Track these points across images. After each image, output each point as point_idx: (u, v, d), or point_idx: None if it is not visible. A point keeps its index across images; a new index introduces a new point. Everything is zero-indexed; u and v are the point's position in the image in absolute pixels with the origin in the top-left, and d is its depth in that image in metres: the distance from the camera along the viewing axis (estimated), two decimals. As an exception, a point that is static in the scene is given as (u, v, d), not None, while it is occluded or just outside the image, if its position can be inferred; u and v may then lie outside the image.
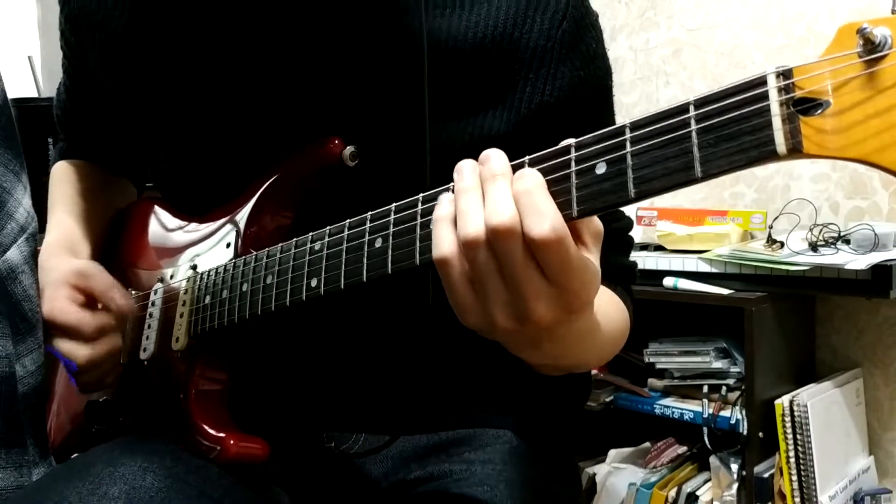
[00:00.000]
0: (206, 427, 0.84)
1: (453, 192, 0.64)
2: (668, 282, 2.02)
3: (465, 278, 0.62)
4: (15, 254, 0.82)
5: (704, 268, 2.00)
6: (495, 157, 0.63)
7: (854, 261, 1.73)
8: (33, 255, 0.86)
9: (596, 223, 0.63)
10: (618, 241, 0.96)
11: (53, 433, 1.05)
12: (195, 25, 0.92)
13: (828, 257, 1.80)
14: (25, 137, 0.94)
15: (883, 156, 0.45)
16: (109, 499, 0.67)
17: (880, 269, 1.73)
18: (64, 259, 1.01)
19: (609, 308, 0.85)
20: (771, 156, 0.49)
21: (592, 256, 0.62)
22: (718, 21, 2.44)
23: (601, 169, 0.57)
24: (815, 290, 2.02)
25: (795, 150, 0.48)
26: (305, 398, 0.97)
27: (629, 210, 0.85)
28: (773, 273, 1.87)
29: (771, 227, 2.01)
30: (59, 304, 0.92)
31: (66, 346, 0.92)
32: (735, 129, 0.50)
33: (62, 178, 1.15)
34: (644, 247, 2.21)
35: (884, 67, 0.45)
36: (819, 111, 0.47)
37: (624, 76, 2.64)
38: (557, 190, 0.59)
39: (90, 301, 0.96)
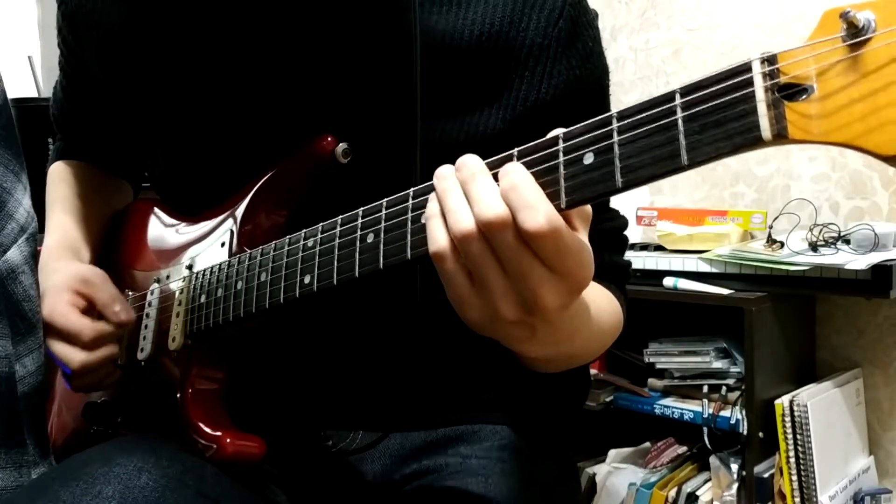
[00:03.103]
0: (203, 426, 0.84)
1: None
2: (668, 282, 2.02)
3: (463, 271, 0.62)
4: (15, 254, 0.82)
5: (704, 268, 1.99)
6: (469, 159, 0.63)
7: (854, 261, 1.73)
8: (33, 256, 0.86)
9: (584, 206, 0.63)
10: (612, 240, 0.96)
11: (55, 432, 1.05)
12: (190, 24, 0.92)
13: (828, 257, 1.80)
14: (25, 137, 0.94)
15: (867, 139, 0.45)
16: (103, 498, 0.67)
17: (880, 269, 1.73)
18: (67, 262, 1.01)
19: (601, 301, 0.85)
20: (756, 142, 0.49)
21: (583, 237, 0.63)
22: (718, 21, 2.44)
23: (589, 159, 0.58)
24: (815, 290, 2.02)
25: (780, 136, 0.48)
26: (302, 396, 0.97)
27: (628, 210, 0.85)
28: (773, 273, 1.87)
29: (771, 227, 2.01)
30: (60, 308, 0.92)
31: (62, 349, 0.92)
32: (721, 116, 0.50)
33: (60, 178, 1.15)
34: (644, 247, 2.20)
35: (867, 51, 0.45)
36: (804, 96, 0.47)
37: (624, 76, 2.64)
38: (546, 181, 0.60)
39: (91, 308, 0.96)
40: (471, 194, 0.61)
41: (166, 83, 0.95)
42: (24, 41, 2.60)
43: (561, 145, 0.59)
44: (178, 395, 0.87)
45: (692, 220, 2.20)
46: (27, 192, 0.86)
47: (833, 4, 0.46)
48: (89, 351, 0.93)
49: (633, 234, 2.24)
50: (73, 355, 0.92)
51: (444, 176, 0.64)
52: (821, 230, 1.91)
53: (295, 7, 0.88)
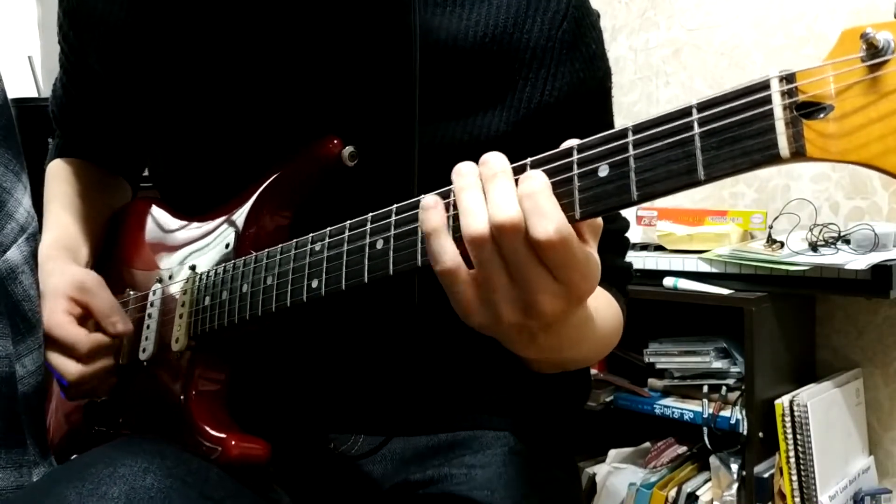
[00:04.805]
0: (207, 428, 0.84)
1: (451, 195, 0.64)
2: (668, 282, 2.02)
3: (471, 282, 0.63)
4: (15, 254, 0.82)
5: (704, 268, 2.00)
6: (495, 157, 0.63)
7: (854, 261, 1.73)
8: (33, 255, 0.86)
9: (596, 219, 0.63)
10: (614, 242, 0.96)
11: (52, 431, 1.05)
12: (194, 23, 0.92)
13: (828, 257, 1.80)
14: (25, 137, 0.94)
15: (886, 160, 0.45)
16: (109, 499, 0.67)
17: (880, 269, 1.73)
18: (64, 263, 1.01)
19: (603, 306, 0.85)
20: (774, 159, 0.49)
21: (592, 250, 0.63)
22: (718, 21, 2.44)
23: (604, 171, 0.58)
24: (815, 290, 2.02)
25: (799, 154, 0.48)
26: (305, 399, 0.97)
27: (628, 210, 0.85)
28: (773, 273, 1.87)
29: (771, 227, 2.01)
30: (56, 317, 0.92)
31: (58, 360, 0.92)
32: (738, 133, 0.50)
33: (58, 176, 1.15)
34: (644, 247, 2.21)
35: (887, 72, 0.45)
36: (822, 115, 0.47)
37: (624, 76, 2.64)
38: (560, 192, 0.60)
39: (88, 316, 0.95)
40: (490, 192, 0.61)
41: (168, 81, 0.95)
42: (24, 41, 2.59)
43: (576, 157, 0.59)
44: (182, 398, 0.87)
45: (692, 220, 2.20)
46: (27, 191, 0.86)
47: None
48: (85, 363, 0.92)
49: (633, 234, 2.24)
50: (70, 367, 0.92)
51: (464, 173, 0.63)
52: (821, 230, 1.91)
53: (297, 7, 0.88)
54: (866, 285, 1.76)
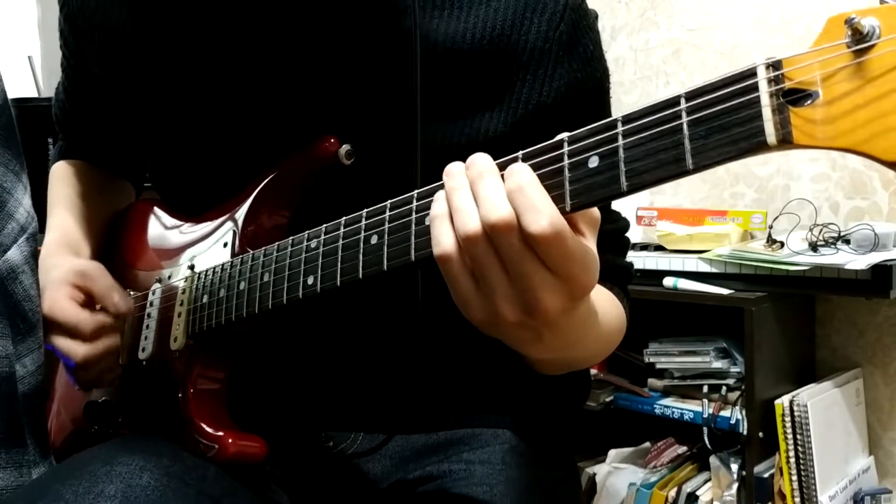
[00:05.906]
0: (205, 426, 0.84)
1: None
2: (668, 282, 2.02)
3: (467, 273, 0.63)
4: (15, 254, 0.82)
5: (704, 268, 1.99)
6: (479, 157, 0.63)
7: (854, 261, 1.73)
8: (33, 255, 0.86)
9: (592, 211, 0.63)
10: (614, 241, 0.97)
11: (53, 433, 1.05)
12: (194, 26, 0.92)
13: (828, 257, 1.80)
14: (25, 137, 0.94)
15: (871, 145, 0.45)
16: (105, 497, 0.67)
17: (880, 269, 1.73)
18: (66, 258, 1.01)
19: (605, 304, 0.85)
20: (761, 146, 0.49)
21: (590, 243, 0.63)
22: (718, 21, 2.44)
23: (594, 162, 0.58)
24: (815, 290, 2.02)
25: (785, 141, 0.48)
26: (304, 397, 0.97)
27: (628, 210, 0.86)
28: (773, 273, 1.87)
29: (771, 227, 2.01)
30: (59, 302, 0.92)
31: (64, 343, 0.92)
32: (725, 121, 0.51)
33: (61, 178, 1.15)
34: (644, 247, 2.20)
35: (872, 57, 0.46)
36: (809, 102, 0.48)
37: (624, 76, 2.64)
38: (551, 184, 0.60)
39: (90, 301, 0.96)
40: (478, 194, 0.61)
41: (168, 84, 0.95)
42: (24, 41, 2.60)
43: (566, 148, 0.60)
44: (180, 395, 0.87)
45: (692, 220, 2.20)
46: (27, 191, 0.86)
47: (832, 5, 0.47)
48: (91, 343, 0.93)
49: (633, 234, 2.24)
50: (76, 348, 0.92)
51: (454, 174, 0.64)
52: (821, 230, 1.91)
53: (297, 9, 0.88)
54: (866, 285, 1.76)
